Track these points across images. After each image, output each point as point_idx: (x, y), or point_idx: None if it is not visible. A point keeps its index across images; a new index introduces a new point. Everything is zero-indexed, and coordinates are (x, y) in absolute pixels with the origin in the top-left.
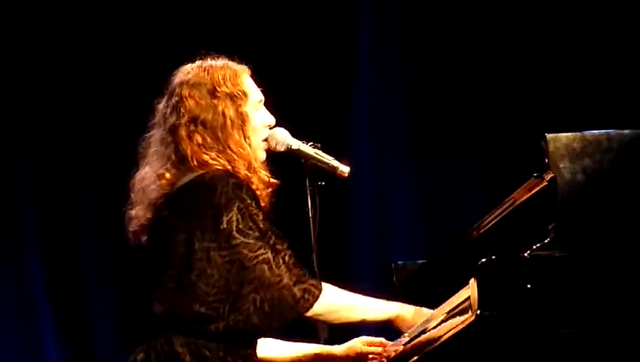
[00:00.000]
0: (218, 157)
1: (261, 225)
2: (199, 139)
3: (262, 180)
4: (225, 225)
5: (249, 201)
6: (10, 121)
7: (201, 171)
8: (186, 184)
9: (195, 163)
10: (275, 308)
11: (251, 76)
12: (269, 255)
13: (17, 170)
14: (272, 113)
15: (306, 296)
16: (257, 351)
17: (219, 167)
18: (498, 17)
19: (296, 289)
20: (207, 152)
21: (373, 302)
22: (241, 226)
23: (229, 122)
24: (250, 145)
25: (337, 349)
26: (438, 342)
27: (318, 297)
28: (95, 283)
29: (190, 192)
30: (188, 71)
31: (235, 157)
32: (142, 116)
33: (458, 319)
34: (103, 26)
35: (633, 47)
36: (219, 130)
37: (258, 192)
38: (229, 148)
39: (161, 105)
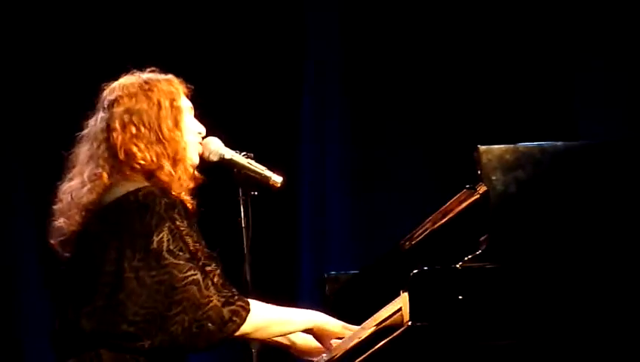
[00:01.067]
0: (147, 148)
1: (191, 247)
2: (132, 129)
3: (187, 172)
4: (155, 245)
5: (179, 221)
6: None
7: (134, 186)
8: (118, 199)
9: (123, 156)
10: (202, 329)
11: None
12: (199, 276)
13: None
14: (207, 122)
15: (234, 317)
16: None
17: (143, 163)
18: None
19: (225, 311)
20: (138, 143)
21: (298, 313)
22: (171, 247)
23: (163, 112)
24: (182, 136)
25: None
26: (369, 352)
27: (245, 319)
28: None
29: (122, 209)
30: (120, 80)
31: (164, 148)
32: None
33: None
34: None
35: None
36: (153, 117)
37: (183, 190)
38: (161, 133)
39: (91, 119)
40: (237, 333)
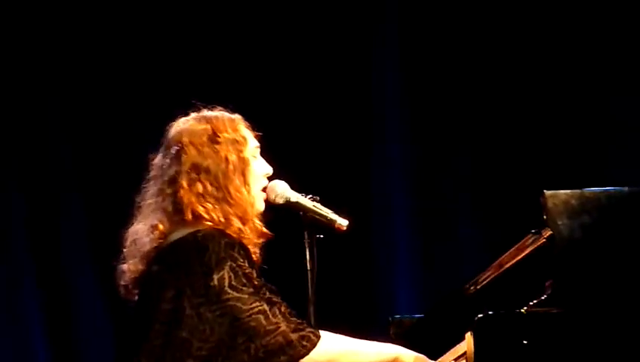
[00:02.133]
0: (214, 208)
1: (255, 282)
2: (200, 188)
3: (255, 230)
4: (216, 283)
5: (241, 261)
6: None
7: (195, 228)
8: (178, 240)
9: (190, 215)
10: (270, 354)
11: (248, 126)
12: (265, 306)
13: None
14: (272, 165)
15: (304, 342)
16: None
17: (210, 223)
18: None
19: (294, 336)
20: (204, 203)
21: (372, 346)
22: (233, 283)
23: (231, 167)
24: (249, 192)
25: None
26: None
27: (316, 343)
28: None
29: (181, 250)
30: (185, 121)
31: (232, 207)
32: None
33: None
34: (95, 75)
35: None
36: (220, 175)
37: (250, 244)
38: (229, 193)
39: (157, 159)
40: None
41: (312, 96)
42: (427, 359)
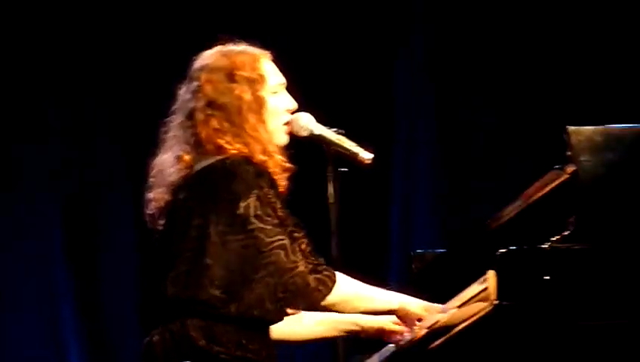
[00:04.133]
0: (234, 140)
1: (279, 213)
2: (215, 124)
3: (277, 164)
4: (242, 211)
5: (267, 190)
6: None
7: (220, 156)
8: (205, 168)
9: (211, 147)
10: (287, 294)
11: (275, 61)
12: (286, 241)
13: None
14: (300, 98)
15: (320, 286)
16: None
17: (234, 151)
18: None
19: (311, 279)
20: (223, 136)
21: (381, 293)
22: (259, 212)
23: (245, 106)
24: (265, 130)
25: (367, 323)
26: (456, 330)
27: (331, 289)
28: (118, 261)
29: (208, 177)
30: (208, 56)
31: (251, 140)
32: (164, 101)
33: (476, 306)
34: (124, 13)
35: None
36: (235, 113)
37: (276, 175)
38: (245, 131)
39: (181, 91)
40: (322, 303)
41: (338, 32)
42: (434, 305)
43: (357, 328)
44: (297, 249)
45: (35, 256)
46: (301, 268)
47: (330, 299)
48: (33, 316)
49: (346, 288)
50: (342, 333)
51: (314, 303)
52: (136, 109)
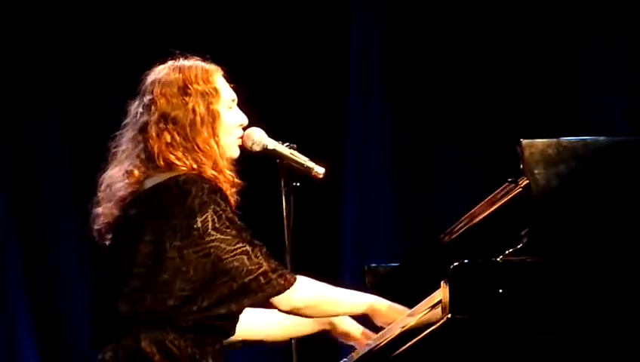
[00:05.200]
0: (184, 156)
1: (238, 224)
2: (167, 138)
3: (227, 180)
4: (200, 224)
5: (224, 205)
6: None
7: (172, 172)
8: (158, 185)
9: (162, 162)
10: (249, 291)
11: (226, 77)
12: (248, 247)
13: None
14: (250, 112)
15: (281, 280)
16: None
17: (184, 168)
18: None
19: (273, 276)
20: (174, 152)
21: (349, 295)
22: (217, 225)
23: (198, 119)
24: (218, 144)
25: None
26: (409, 344)
27: (292, 283)
28: (72, 278)
29: (161, 194)
30: (160, 70)
31: (201, 156)
32: (115, 116)
33: (431, 314)
34: (78, 26)
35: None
36: (188, 127)
37: (225, 192)
38: (197, 145)
39: (133, 106)
40: (289, 308)
41: (290, 46)
42: (401, 307)
43: (329, 327)
44: (259, 253)
45: None
46: (264, 267)
47: (296, 302)
48: None
49: (312, 290)
50: (315, 329)
51: (275, 294)
52: (84, 124)
